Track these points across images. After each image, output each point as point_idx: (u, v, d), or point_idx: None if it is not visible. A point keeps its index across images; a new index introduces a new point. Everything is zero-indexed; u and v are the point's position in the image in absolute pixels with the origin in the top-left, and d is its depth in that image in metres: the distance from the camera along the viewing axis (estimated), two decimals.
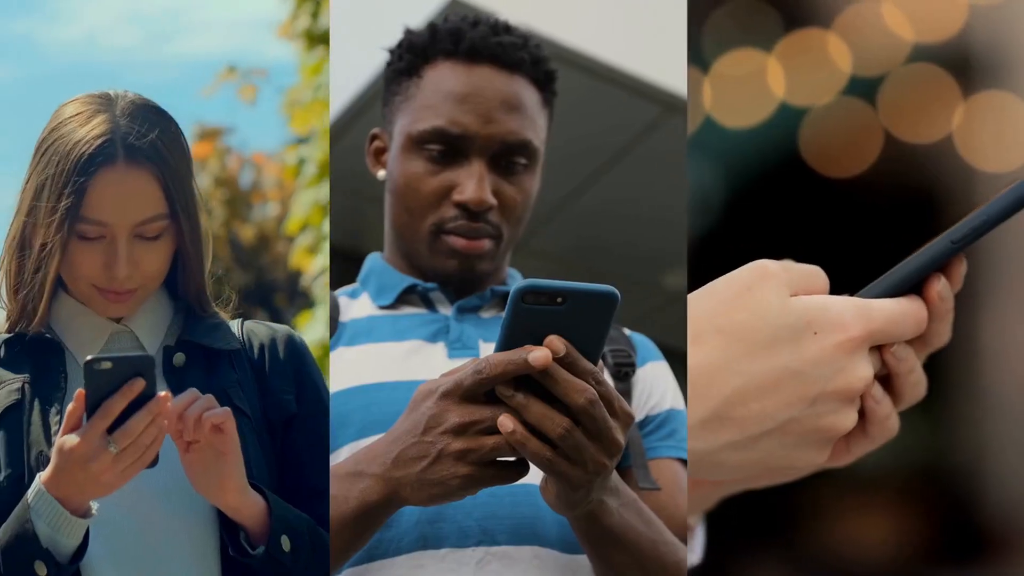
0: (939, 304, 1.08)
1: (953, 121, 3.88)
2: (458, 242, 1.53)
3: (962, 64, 3.87)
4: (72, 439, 1.28)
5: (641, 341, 1.63)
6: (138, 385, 1.27)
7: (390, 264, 1.61)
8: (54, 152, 1.39)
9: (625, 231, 5.55)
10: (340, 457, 1.41)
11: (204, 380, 1.42)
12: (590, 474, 1.16)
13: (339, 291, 1.62)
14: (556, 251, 5.59)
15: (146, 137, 1.39)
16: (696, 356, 1.06)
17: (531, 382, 1.13)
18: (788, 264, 1.09)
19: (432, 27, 1.58)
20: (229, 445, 1.31)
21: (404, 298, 1.57)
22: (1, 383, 1.43)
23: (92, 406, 1.27)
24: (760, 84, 3.77)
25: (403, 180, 1.54)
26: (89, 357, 1.27)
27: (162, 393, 1.29)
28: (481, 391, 1.15)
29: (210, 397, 1.32)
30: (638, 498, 1.36)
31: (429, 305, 1.58)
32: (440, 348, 1.53)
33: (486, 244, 1.54)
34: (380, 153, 1.63)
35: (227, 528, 1.36)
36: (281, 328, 1.52)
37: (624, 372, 1.54)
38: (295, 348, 1.50)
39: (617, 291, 1.13)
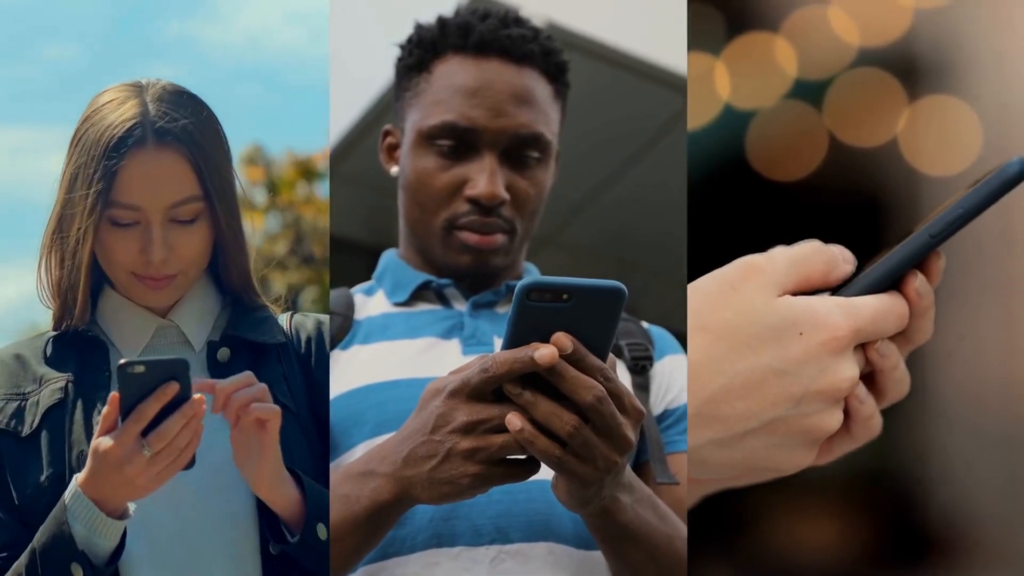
0: (918, 300, 1.08)
1: (898, 125, 3.89)
2: (471, 238, 1.52)
3: (907, 68, 3.88)
4: (107, 442, 1.27)
5: (660, 334, 1.62)
6: (172, 389, 1.27)
7: (405, 261, 1.60)
8: (86, 140, 1.40)
9: (655, 221, 5.60)
10: (355, 455, 1.41)
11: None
12: (601, 471, 1.15)
13: (355, 289, 1.61)
14: (587, 243, 5.62)
15: (176, 121, 1.39)
16: (689, 354, 1.07)
17: (539, 379, 1.12)
18: (777, 255, 1.08)
19: (441, 21, 1.57)
20: (268, 442, 1.31)
21: (419, 294, 1.57)
22: (46, 381, 1.43)
23: (126, 409, 1.27)
24: (706, 87, 3.77)
25: (415, 176, 1.54)
26: (122, 361, 1.27)
27: (197, 396, 1.29)
28: (488, 389, 1.14)
29: (263, 388, 1.32)
30: (653, 493, 1.35)
31: (444, 301, 1.57)
32: (455, 344, 1.52)
33: (499, 239, 1.53)
34: (392, 149, 1.61)
35: (267, 517, 1.36)
36: (328, 319, 1.51)
37: (641, 366, 1.54)
38: None
39: (624, 287, 1.12)
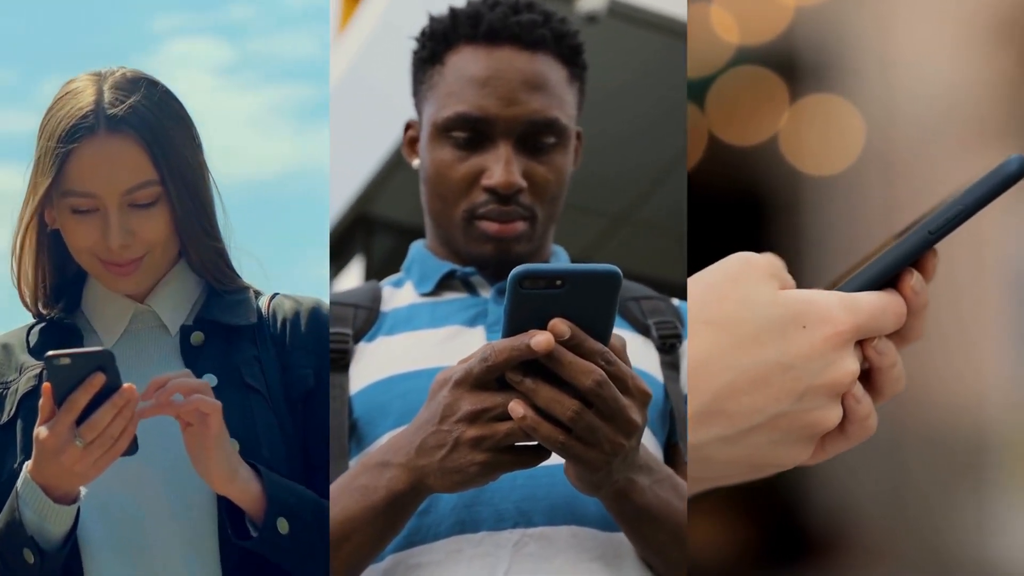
0: (914, 298, 1.07)
1: (779, 123, 3.88)
2: (491, 227, 1.52)
3: (789, 66, 3.88)
4: (43, 431, 1.30)
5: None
6: (98, 379, 1.28)
7: (431, 251, 1.61)
8: (47, 129, 1.42)
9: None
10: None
11: (220, 357, 1.44)
12: (607, 455, 1.15)
13: (384, 281, 1.63)
14: (661, 220, 5.68)
15: (129, 106, 1.41)
16: (691, 348, 1.05)
17: (541, 366, 1.12)
18: (770, 255, 1.08)
19: (452, 12, 1.58)
20: (209, 435, 1.32)
21: (446, 284, 1.58)
22: (25, 370, 1.46)
23: (59, 400, 1.29)
24: None
25: (433, 168, 1.54)
26: (48, 353, 1.29)
27: (126, 385, 1.30)
28: (490, 378, 1.15)
29: (204, 383, 1.34)
30: (674, 474, 1.34)
31: (470, 289, 1.57)
32: (479, 332, 1.52)
33: (520, 226, 1.53)
34: (414, 143, 1.63)
35: (230, 511, 1.36)
36: (307, 300, 1.51)
37: (670, 344, 1.53)
38: (319, 321, 1.49)
39: (619, 269, 1.12)
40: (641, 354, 1.48)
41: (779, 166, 3.89)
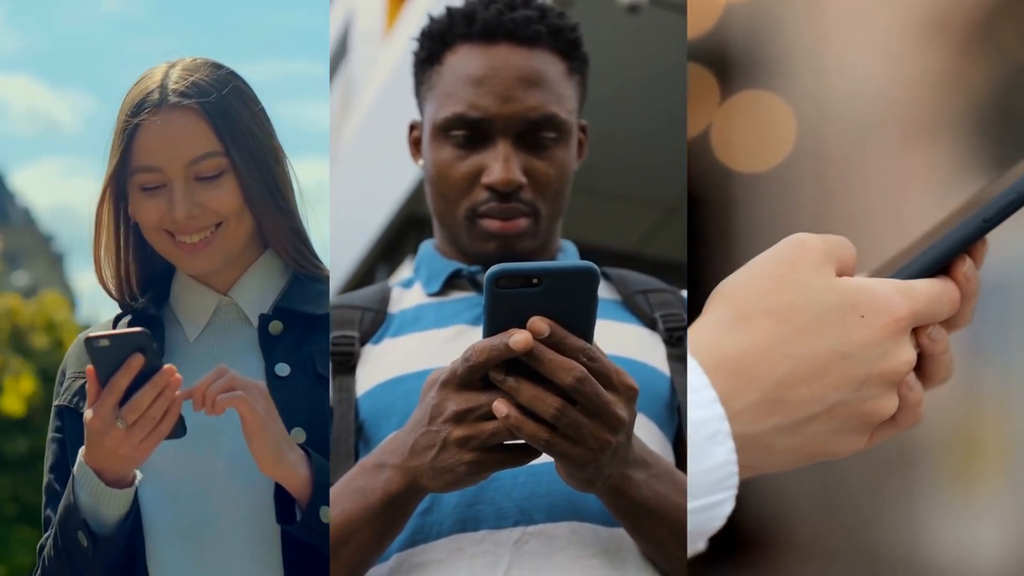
0: (966, 285, 1.08)
1: (709, 119, 3.88)
2: (492, 224, 1.52)
3: (719, 62, 3.87)
4: (89, 414, 1.31)
5: None
6: (137, 360, 1.29)
7: (439, 251, 1.61)
8: (119, 111, 1.45)
9: None
10: None
11: (294, 347, 1.45)
12: (593, 451, 1.15)
13: (394, 282, 1.64)
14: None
15: (187, 80, 1.43)
16: (745, 337, 1.05)
17: (525, 365, 1.12)
18: (828, 236, 1.08)
19: (449, 11, 1.57)
20: (248, 423, 1.32)
21: (454, 283, 1.58)
22: None
23: (103, 383, 1.30)
24: None
25: (434, 169, 1.55)
26: (87, 335, 1.30)
27: (167, 366, 1.31)
28: (473, 378, 1.15)
29: (233, 377, 1.33)
30: (673, 467, 1.33)
31: (478, 288, 1.58)
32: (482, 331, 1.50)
33: (522, 223, 1.52)
34: (418, 143, 1.63)
35: (280, 495, 1.37)
36: None
37: (677, 337, 1.52)
38: None
39: (595, 266, 1.12)
40: (648, 348, 1.49)
41: (710, 163, 3.89)
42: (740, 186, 3.92)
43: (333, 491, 1.32)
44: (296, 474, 1.36)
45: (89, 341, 1.30)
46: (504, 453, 1.18)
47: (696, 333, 1.08)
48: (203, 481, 1.41)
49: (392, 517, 1.29)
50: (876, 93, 3.77)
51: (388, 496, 1.27)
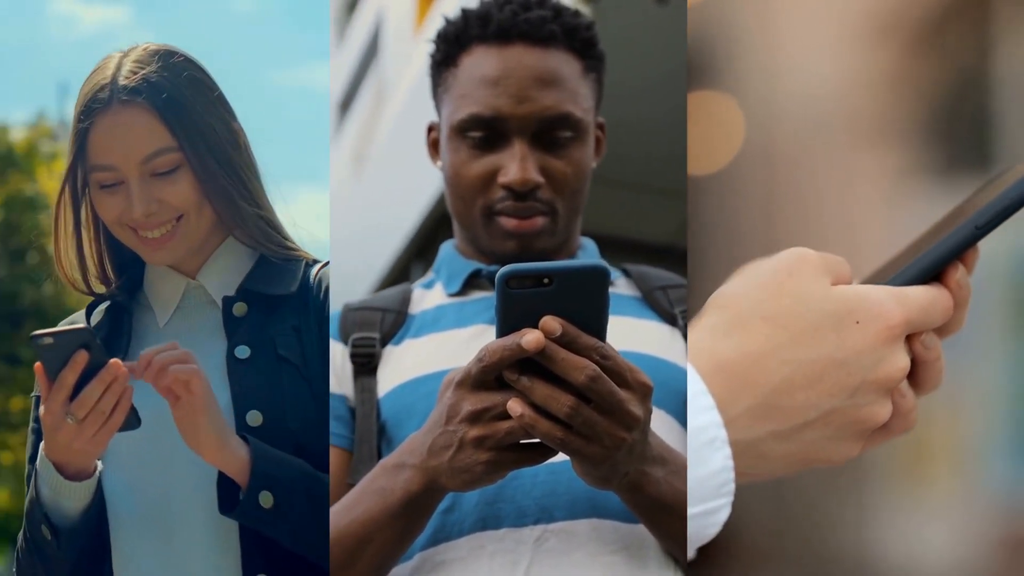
0: (959, 292, 1.09)
1: None
2: (509, 223, 1.53)
3: None
4: (42, 410, 1.33)
5: None
6: (81, 357, 1.30)
7: (458, 252, 1.63)
8: (75, 107, 1.46)
9: None
10: None
11: (258, 328, 1.45)
12: (608, 449, 1.16)
13: (416, 283, 1.65)
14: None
15: (137, 75, 1.43)
16: (741, 343, 1.06)
17: (538, 364, 1.13)
18: (825, 253, 1.09)
19: (463, 13, 1.58)
20: (197, 403, 1.33)
21: (473, 283, 1.60)
22: None
23: (52, 379, 1.32)
24: None
25: (452, 170, 1.56)
26: (33, 333, 1.32)
27: (112, 360, 1.31)
28: (488, 378, 1.16)
29: (186, 353, 1.34)
30: None
31: None
32: None
33: (539, 222, 1.53)
34: (437, 145, 1.64)
35: (223, 482, 1.37)
36: None
37: None
38: None
39: (605, 265, 1.13)
40: (667, 343, 1.50)
41: None
42: (690, 186, 3.92)
43: (355, 491, 1.33)
44: (238, 458, 1.36)
45: (34, 339, 1.31)
46: (520, 452, 1.19)
47: (693, 339, 1.09)
48: (163, 471, 1.41)
49: (413, 516, 1.30)
50: (826, 95, 3.78)
51: (408, 496, 1.28)
